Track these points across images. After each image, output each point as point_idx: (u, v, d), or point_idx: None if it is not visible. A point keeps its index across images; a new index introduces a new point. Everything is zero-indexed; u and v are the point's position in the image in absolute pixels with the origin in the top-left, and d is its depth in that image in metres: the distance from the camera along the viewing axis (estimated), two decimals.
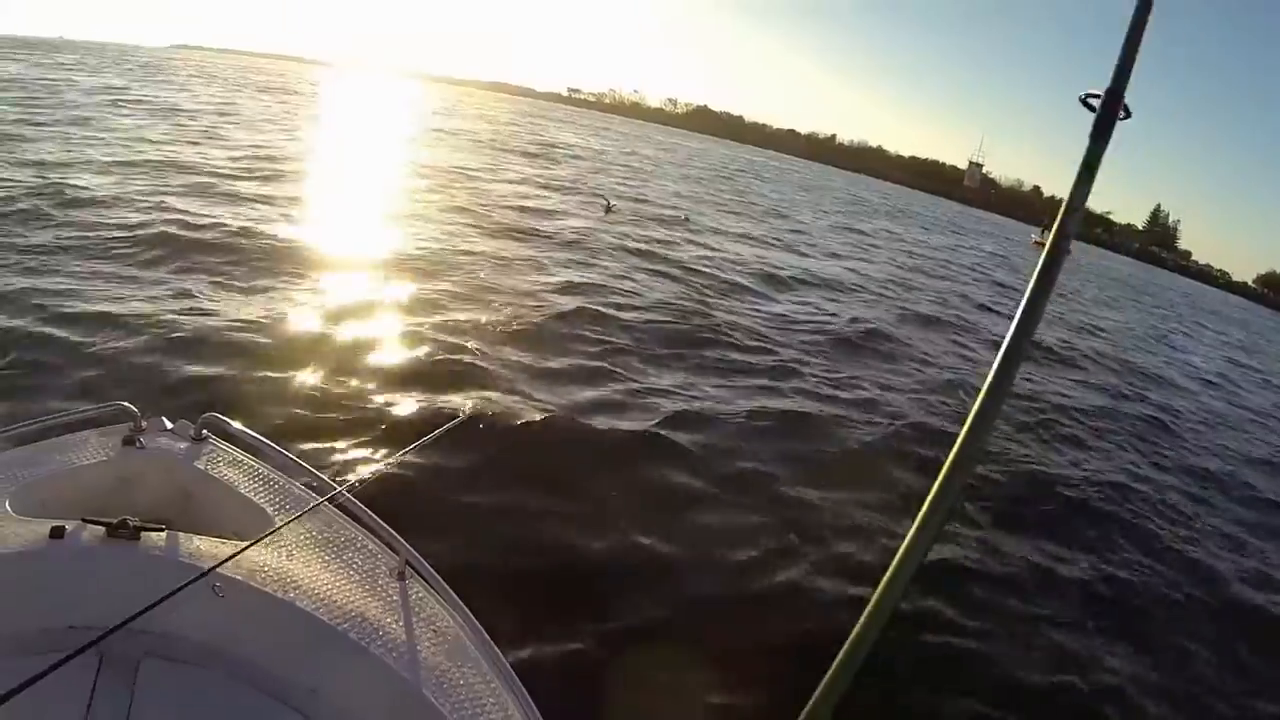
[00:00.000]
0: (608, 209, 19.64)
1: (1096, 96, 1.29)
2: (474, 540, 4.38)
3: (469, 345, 7.30)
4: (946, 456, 1.16)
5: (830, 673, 1.19)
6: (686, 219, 20.84)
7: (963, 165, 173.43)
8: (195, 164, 15.05)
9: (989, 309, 17.82)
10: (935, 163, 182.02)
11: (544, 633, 3.77)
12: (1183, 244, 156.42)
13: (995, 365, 1.24)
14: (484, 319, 8.17)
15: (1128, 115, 1.29)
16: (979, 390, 1.21)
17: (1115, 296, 33.70)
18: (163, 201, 11.05)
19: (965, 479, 1.22)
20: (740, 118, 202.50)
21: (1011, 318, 1.22)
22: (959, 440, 1.21)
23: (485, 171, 22.19)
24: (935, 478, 1.19)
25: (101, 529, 1.67)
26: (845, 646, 1.19)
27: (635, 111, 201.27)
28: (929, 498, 1.20)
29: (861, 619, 1.19)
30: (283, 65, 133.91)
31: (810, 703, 1.20)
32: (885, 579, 1.20)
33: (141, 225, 9.55)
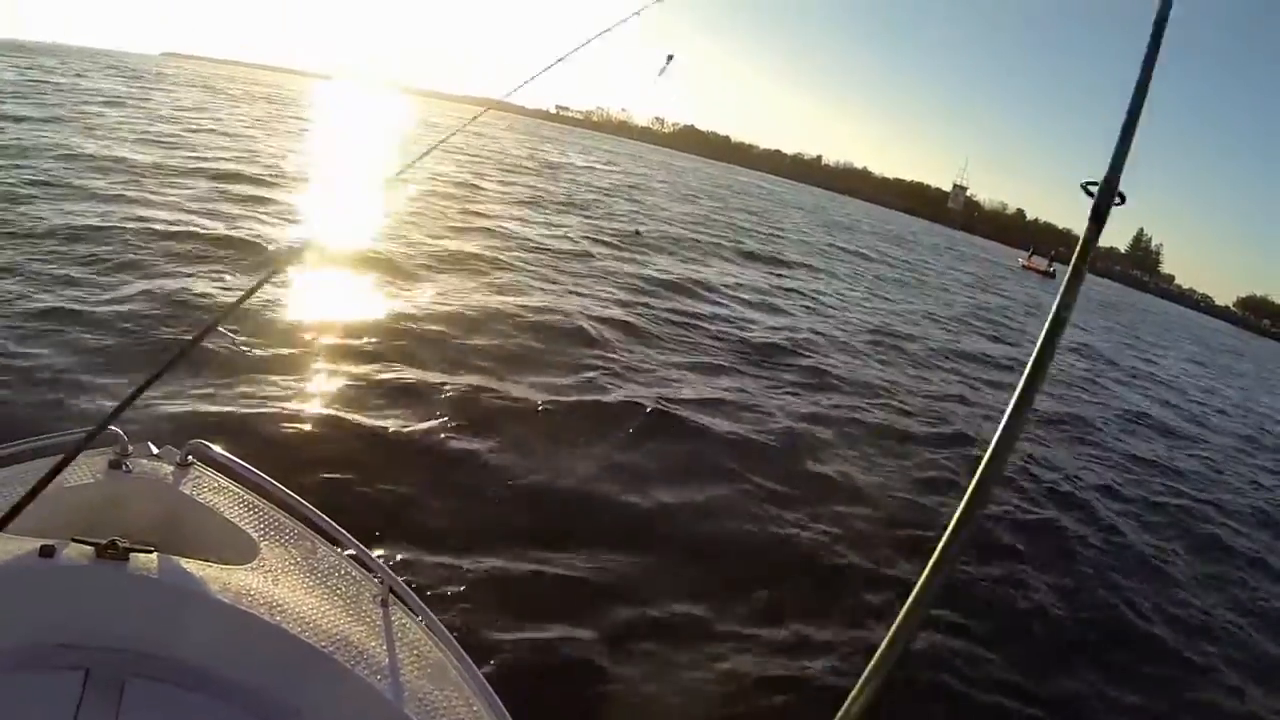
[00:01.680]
0: (636, 234, 19.94)
1: (1094, 184, 1.37)
2: (457, 562, 4.38)
3: (462, 367, 7.34)
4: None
5: (864, 675, 1.22)
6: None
7: (946, 187, 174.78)
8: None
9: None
10: (920, 185, 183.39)
11: (525, 654, 3.79)
12: (1165, 268, 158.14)
13: (1021, 383, 1.29)
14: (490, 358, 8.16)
15: (1122, 201, 1.37)
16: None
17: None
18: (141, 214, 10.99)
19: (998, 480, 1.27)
20: (726, 138, 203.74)
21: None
22: (987, 456, 1.23)
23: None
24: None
25: (91, 549, 1.67)
26: (879, 649, 1.22)
27: (623, 130, 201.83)
28: (962, 502, 1.24)
29: (896, 622, 1.22)
30: (280, 77, 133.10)
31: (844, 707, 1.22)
32: (918, 585, 1.23)
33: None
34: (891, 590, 5.15)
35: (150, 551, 1.74)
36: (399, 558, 4.12)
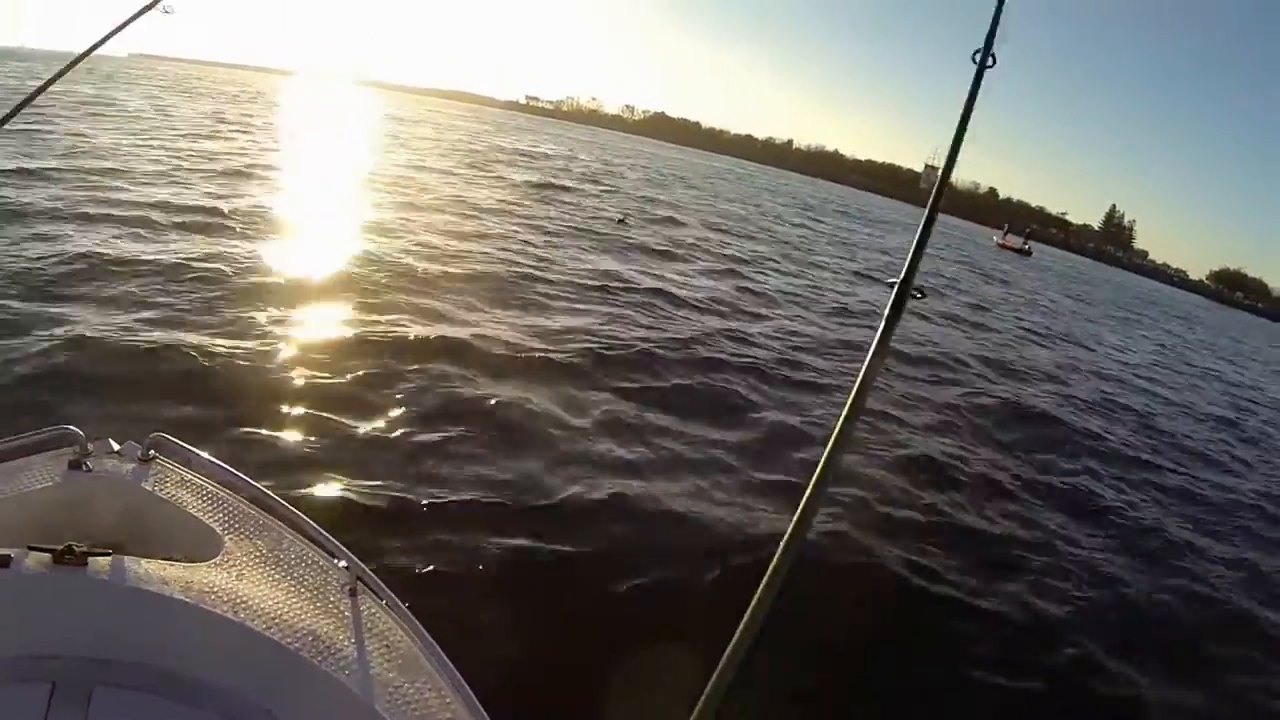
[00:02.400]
0: (620, 222, 20.48)
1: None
2: (426, 550, 4.37)
3: (436, 358, 7.30)
4: None
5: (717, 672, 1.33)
6: None
7: (918, 168, 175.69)
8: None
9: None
10: (891, 166, 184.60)
11: (497, 642, 3.76)
12: (1139, 243, 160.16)
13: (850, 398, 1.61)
14: (469, 340, 8.13)
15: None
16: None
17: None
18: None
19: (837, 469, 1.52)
20: (697, 124, 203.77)
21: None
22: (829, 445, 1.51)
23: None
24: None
25: (48, 555, 1.64)
26: (730, 647, 1.34)
27: (593, 119, 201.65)
28: (804, 498, 1.47)
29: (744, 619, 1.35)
30: (246, 75, 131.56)
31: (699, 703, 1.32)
32: (763, 582, 1.37)
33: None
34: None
35: (109, 554, 1.71)
36: (367, 545, 4.04)
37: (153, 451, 2.17)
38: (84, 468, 2.04)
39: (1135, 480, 8.85)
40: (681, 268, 15.59)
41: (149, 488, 2.07)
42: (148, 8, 2.96)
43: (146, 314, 7.14)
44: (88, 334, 6.35)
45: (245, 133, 28.33)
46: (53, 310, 6.82)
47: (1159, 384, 16.34)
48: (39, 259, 8.20)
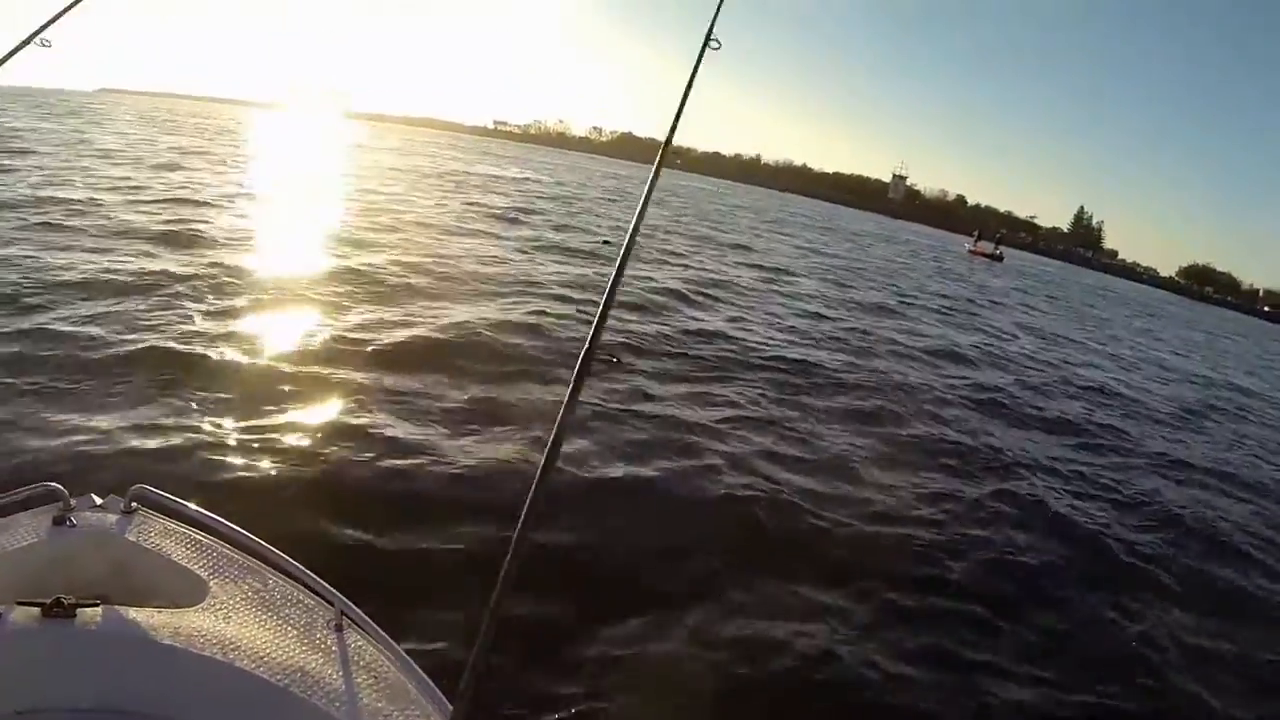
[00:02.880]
0: (604, 243, 20.89)
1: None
2: (410, 585, 4.37)
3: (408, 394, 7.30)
4: None
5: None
6: None
7: (886, 179, 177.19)
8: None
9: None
10: (859, 177, 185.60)
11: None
12: (1108, 243, 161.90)
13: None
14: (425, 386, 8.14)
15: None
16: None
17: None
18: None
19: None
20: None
21: None
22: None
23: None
24: None
25: (36, 610, 1.66)
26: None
27: (561, 141, 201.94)
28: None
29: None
30: (215, 108, 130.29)
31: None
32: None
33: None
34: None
35: (97, 605, 1.74)
36: (351, 580, 3.99)
37: (135, 503, 2.20)
38: (68, 523, 2.07)
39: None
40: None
41: (133, 539, 2.10)
42: (24, 43, 3.00)
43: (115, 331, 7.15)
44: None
45: (216, 166, 28.25)
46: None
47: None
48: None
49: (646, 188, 2.09)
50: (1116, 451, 10.38)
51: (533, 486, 1.65)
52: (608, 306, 1.99)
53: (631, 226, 2.18)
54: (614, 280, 2.02)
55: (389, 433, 6.29)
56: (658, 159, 2.38)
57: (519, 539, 1.57)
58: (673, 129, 2.65)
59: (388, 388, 7.30)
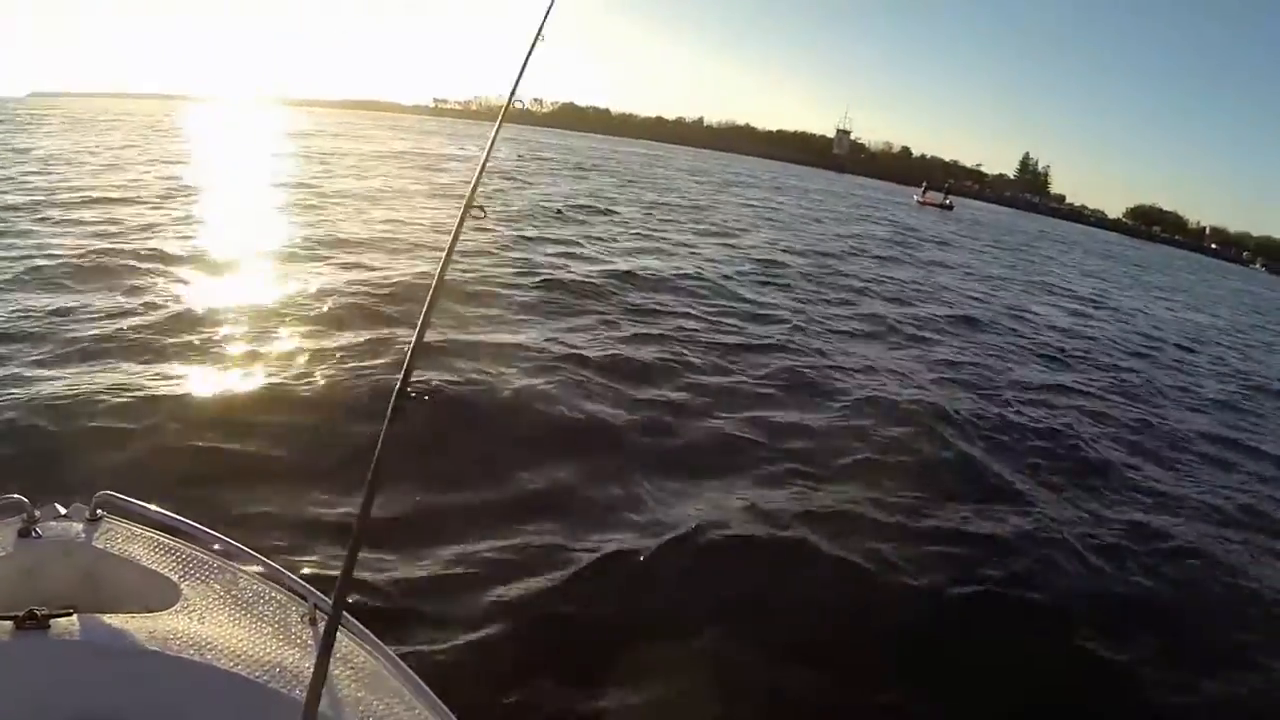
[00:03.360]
0: (559, 213, 21.59)
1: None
2: (382, 568, 4.38)
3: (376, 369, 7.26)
4: None
5: None
6: None
7: (830, 134, 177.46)
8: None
9: None
10: (803, 134, 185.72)
11: (458, 652, 3.84)
12: (1055, 188, 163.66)
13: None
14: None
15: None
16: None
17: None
18: None
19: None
20: (606, 111, 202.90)
21: None
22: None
23: None
24: None
25: (9, 623, 1.66)
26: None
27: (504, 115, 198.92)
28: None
29: None
30: (150, 105, 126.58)
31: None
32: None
33: None
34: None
35: (71, 614, 1.73)
36: (322, 573, 3.98)
37: (100, 510, 2.18)
38: (33, 534, 2.05)
39: None
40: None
41: (100, 546, 2.08)
42: None
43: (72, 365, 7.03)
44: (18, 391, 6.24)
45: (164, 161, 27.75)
46: None
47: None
48: None
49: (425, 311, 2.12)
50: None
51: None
52: (423, 333, 2.06)
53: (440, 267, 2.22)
54: (425, 312, 2.08)
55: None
56: (476, 177, 2.45)
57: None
58: (502, 116, 2.89)
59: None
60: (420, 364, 1.92)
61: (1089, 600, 5.26)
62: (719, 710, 3.87)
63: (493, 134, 2.66)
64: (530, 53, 2.96)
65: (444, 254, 2.18)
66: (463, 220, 2.33)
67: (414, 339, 2.03)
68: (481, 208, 2.39)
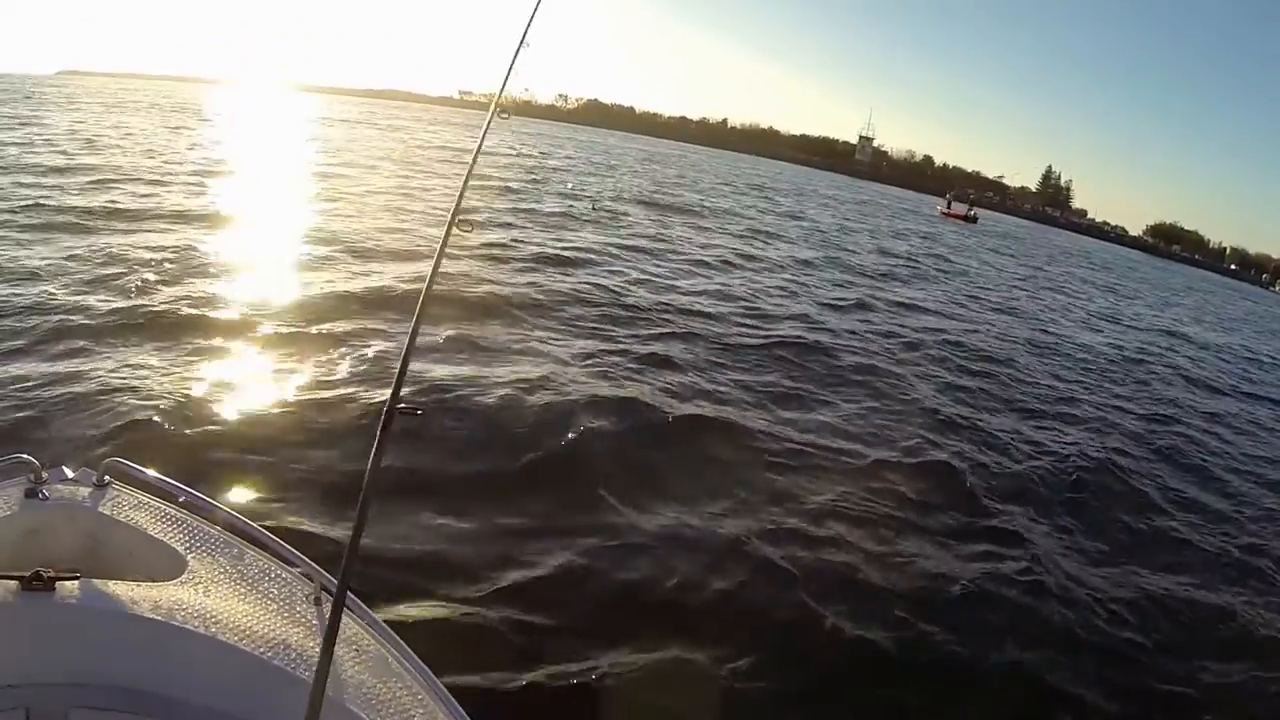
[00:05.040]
0: (593, 208, 21.84)
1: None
2: (388, 552, 4.39)
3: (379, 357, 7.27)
4: None
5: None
6: None
7: (853, 140, 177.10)
8: None
9: None
10: (827, 140, 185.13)
11: (465, 638, 3.83)
12: (1077, 203, 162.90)
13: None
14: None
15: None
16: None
17: None
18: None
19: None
20: (631, 109, 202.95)
21: None
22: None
23: None
24: None
25: (15, 583, 1.64)
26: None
27: (527, 110, 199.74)
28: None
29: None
30: (172, 87, 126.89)
31: None
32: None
33: None
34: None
35: (76, 578, 1.71)
36: (328, 553, 3.98)
37: (107, 477, 2.16)
38: (40, 496, 2.03)
39: None
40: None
41: (106, 512, 2.06)
42: None
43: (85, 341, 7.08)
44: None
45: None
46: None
47: None
48: None
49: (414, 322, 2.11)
50: None
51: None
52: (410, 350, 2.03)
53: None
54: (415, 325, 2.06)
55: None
56: (461, 192, 2.42)
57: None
58: (488, 123, 2.82)
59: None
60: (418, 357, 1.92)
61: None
62: (715, 694, 3.90)
63: (476, 147, 2.62)
64: (515, 57, 2.95)
65: (432, 262, 2.16)
66: (448, 234, 2.31)
67: (413, 322, 2.02)
68: (469, 221, 2.36)
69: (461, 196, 2.34)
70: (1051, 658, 4.73)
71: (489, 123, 2.74)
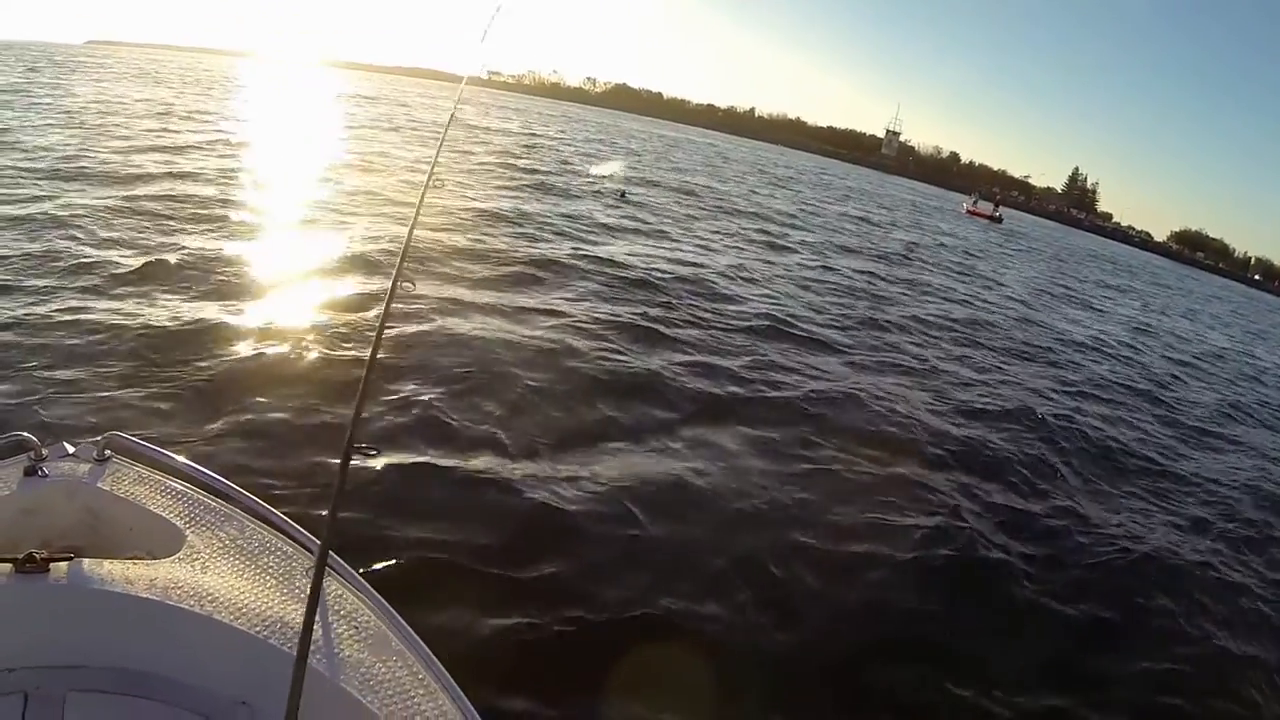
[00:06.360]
0: (622, 196, 21.41)
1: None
2: (391, 530, 4.36)
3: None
4: None
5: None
6: None
7: (880, 134, 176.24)
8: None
9: None
10: (854, 133, 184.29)
11: (464, 616, 3.81)
12: (1103, 206, 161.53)
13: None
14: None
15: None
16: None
17: None
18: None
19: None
20: (659, 94, 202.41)
21: None
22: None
23: None
24: None
25: (8, 565, 1.64)
26: None
27: (555, 92, 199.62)
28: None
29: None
30: (199, 58, 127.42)
31: None
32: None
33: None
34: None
35: (71, 558, 1.71)
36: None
37: (108, 451, 2.16)
38: (39, 473, 2.03)
39: None
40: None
41: (106, 488, 2.06)
42: None
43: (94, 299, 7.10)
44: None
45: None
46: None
47: None
48: None
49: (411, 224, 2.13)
50: None
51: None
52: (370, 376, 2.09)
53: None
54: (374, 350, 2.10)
55: None
56: (423, 189, 2.44)
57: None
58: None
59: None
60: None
61: None
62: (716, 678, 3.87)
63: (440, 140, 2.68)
64: (490, 26, 2.95)
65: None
66: (405, 251, 2.40)
67: (389, 290, 2.10)
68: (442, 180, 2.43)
69: (427, 189, 2.37)
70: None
71: (458, 102, 2.80)
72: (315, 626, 1.85)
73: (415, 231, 2.58)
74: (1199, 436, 10.64)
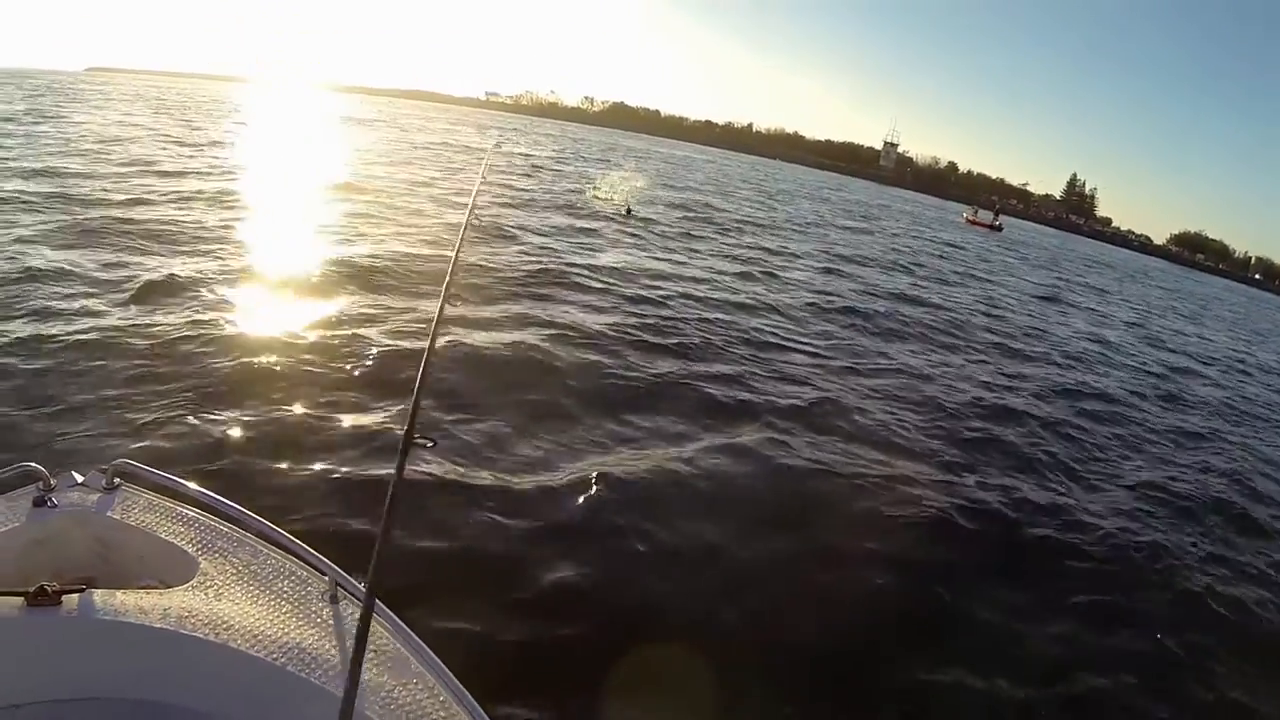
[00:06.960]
0: (628, 212, 21.40)
1: None
2: (407, 553, 4.30)
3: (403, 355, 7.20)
4: None
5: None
6: None
7: (878, 146, 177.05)
8: None
9: None
10: (851, 145, 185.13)
11: (485, 636, 3.78)
12: (1101, 211, 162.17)
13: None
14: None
15: None
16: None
17: None
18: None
19: None
20: (656, 111, 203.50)
21: None
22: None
23: None
24: None
25: (19, 599, 1.61)
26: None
27: (553, 112, 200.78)
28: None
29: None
30: (198, 84, 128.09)
31: None
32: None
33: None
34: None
35: (83, 590, 1.68)
36: (346, 550, 3.92)
37: (117, 479, 2.14)
38: (49, 504, 2.00)
39: None
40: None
41: (117, 516, 2.04)
42: None
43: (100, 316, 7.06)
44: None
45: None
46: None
47: None
48: None
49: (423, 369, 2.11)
50: None
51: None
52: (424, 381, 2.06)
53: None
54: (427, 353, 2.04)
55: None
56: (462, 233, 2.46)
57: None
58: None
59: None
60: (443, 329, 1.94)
61: None
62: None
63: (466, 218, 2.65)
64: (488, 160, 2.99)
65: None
66: (453, 270, 2.39)
67: (440, 298, 2.04)
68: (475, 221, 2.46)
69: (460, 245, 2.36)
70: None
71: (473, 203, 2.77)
72: (333, 651, 1.82)
73: (446, 253, 2.65)
74: (1199, 436, 10.67)
